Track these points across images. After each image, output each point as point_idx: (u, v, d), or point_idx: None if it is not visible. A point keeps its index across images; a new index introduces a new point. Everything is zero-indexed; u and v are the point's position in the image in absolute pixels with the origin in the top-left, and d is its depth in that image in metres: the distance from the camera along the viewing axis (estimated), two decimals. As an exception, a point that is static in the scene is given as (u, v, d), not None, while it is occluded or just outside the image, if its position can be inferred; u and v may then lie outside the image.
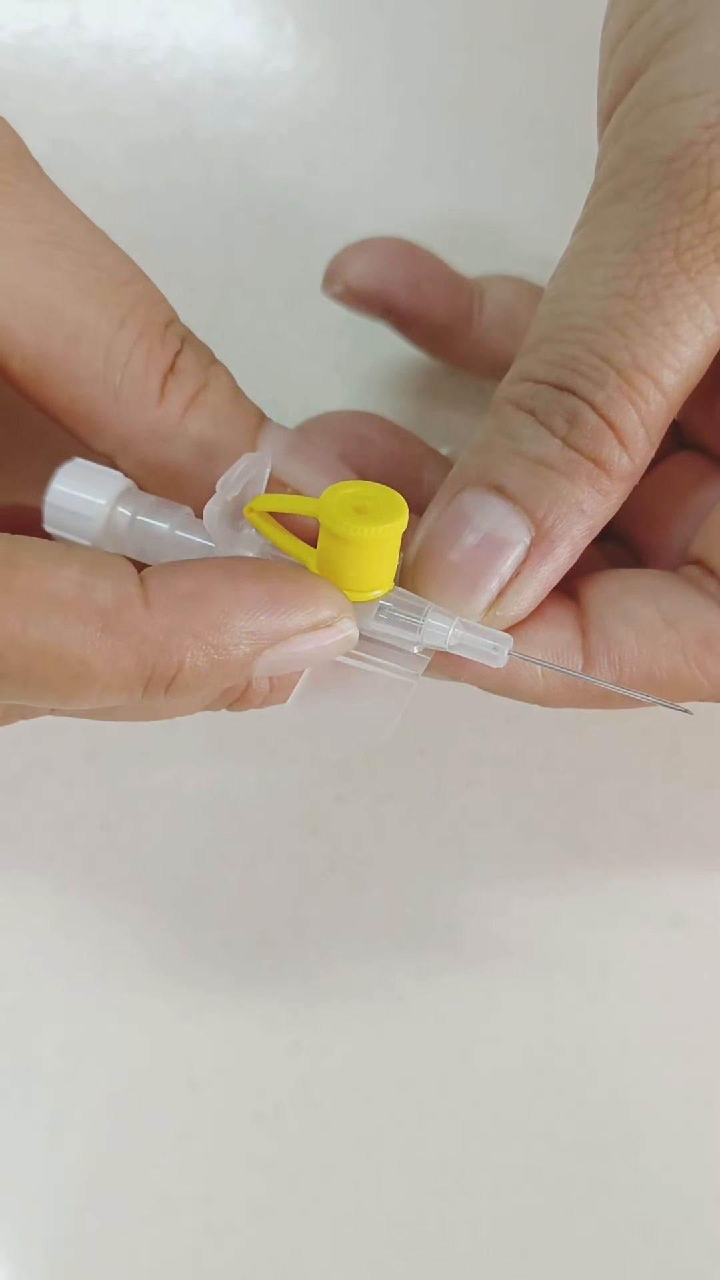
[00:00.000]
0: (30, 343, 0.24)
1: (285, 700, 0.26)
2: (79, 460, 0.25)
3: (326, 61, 0.36)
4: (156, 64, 0.36)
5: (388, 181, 0.36)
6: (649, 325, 0.24)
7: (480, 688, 0.26)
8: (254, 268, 0.36)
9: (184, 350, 0.26)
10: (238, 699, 0.26)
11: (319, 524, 0.23)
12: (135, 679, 0.22)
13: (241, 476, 0.24)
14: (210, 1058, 0.33)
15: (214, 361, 0.27)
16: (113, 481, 0.25)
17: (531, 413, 0.24)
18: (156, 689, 0.22)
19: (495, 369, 0.33)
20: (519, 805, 0.35)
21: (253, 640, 0.23)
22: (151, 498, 0.25)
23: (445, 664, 0.25)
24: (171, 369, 0.25)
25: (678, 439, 0.30)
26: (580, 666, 0.25)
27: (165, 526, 0.25)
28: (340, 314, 0.33)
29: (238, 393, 0.27)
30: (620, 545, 0.30)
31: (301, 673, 0.25)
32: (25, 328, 0.24)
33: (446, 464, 0.31)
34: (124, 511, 0.25)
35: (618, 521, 0.29)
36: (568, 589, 0.26)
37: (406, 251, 0.32)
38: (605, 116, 0.27)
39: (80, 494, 0.25)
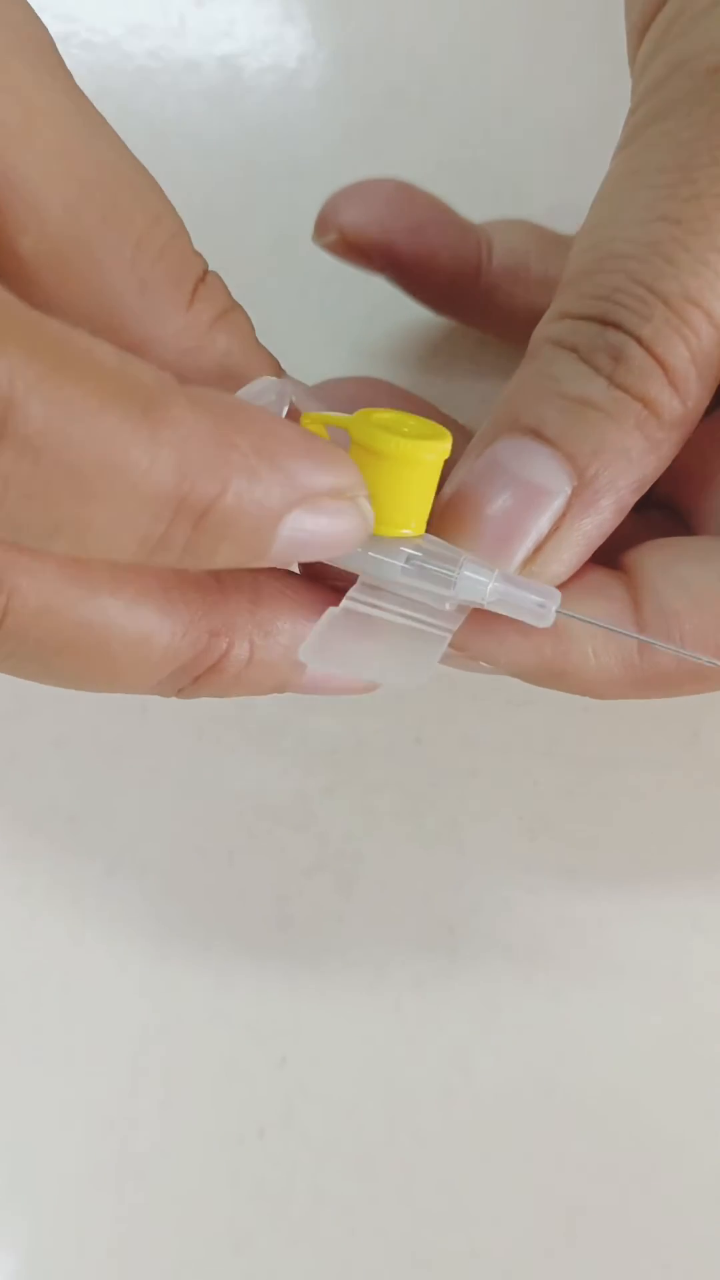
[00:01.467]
0: (56, 219, 0.22)
1: (261, 681, 0.23)
2: None
3: (313, -15, 0.34)
4: (126, -13, 0.34)
5: (381, 116, 0.34)
6: (699, 251, 0.22)
7: (520, 678, 0.24)
8: (232, 213, 0.34)
9: (210, 272, 0.24)
10: (208, 669, 0.23)
11: (350, 441, 0.21)
12: (171, 490, 0.18)
13: (263, 394, 0.22)
14: (187, 1075, 0.31)
15: (235, 301, 0.25)
16: None
17: (574, 350, 0.23)
18: (185, 521, 0.18)
19: (505, 325, 0.31)
20: (524, 796, 0.32)
21: (287, 485, 0.19)
22: None
23: (477, 643, 0.23)
24: (203, 279, 0.23)
25: None
26: (637, 644, 0.23)
27: None
28: (330, 264, 0.31)
29: (255, 335, 0.25)
30: (665, 513, 0.28)
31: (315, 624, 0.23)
32: (57, 202, 0.22)
33: (465, 435, 0.29)
34: None
35: (662, 486, 0.26)
36: (610, 562, 0.24)
37: (407, 195, 0.30)
38: (639, 31, 0.25)
39: None
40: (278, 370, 0.25)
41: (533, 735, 0.33)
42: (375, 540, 0.22)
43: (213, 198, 0.34)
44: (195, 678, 0.22)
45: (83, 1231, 0.30)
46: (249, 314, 0.25)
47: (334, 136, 0.34)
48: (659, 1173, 0.31)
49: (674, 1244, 0.31)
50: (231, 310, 0.24)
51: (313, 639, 0.22)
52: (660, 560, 0.24)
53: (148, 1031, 0.31)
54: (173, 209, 0.24)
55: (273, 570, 0.23)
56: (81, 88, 0.24)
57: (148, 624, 0.22)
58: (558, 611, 0.22)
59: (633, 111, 0.24)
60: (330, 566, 0.23)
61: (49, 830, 0.32)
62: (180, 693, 0.23)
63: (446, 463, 0.23)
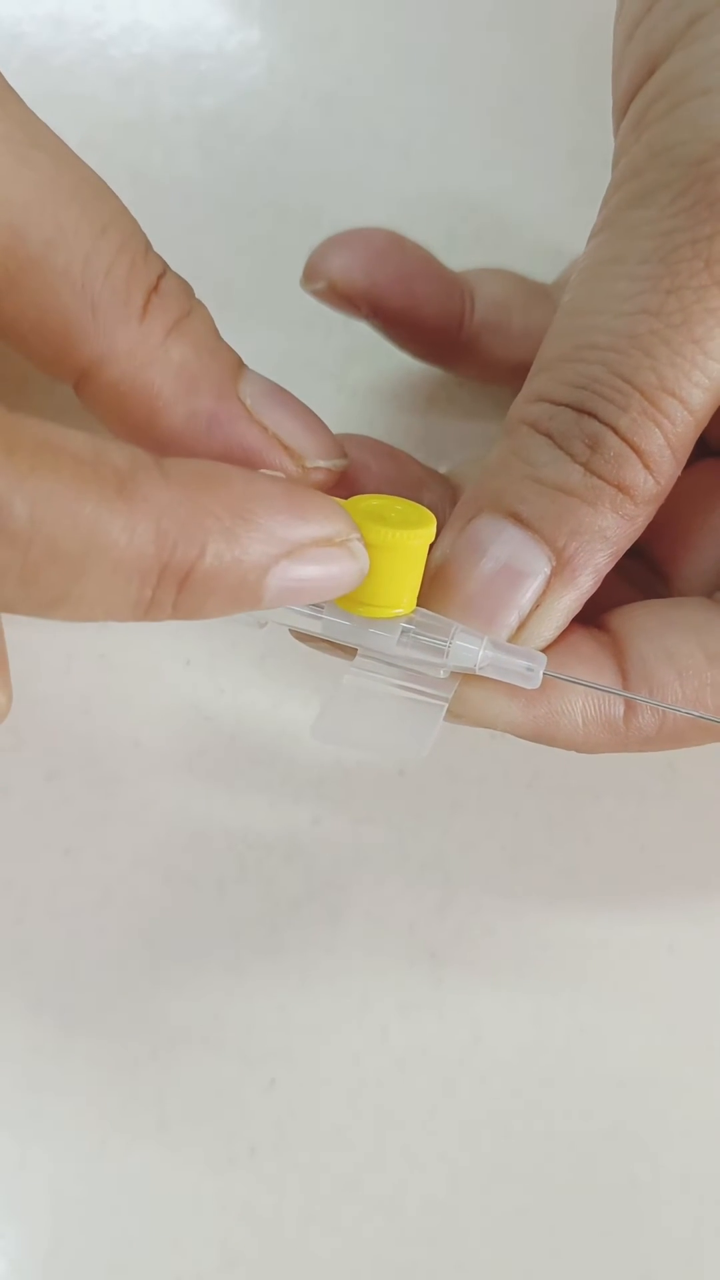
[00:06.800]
0: (3, 245, 0.22)
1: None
2: None
3: (296, 34, 0.34)
4: (113, 38, 0.34)
5: (364, 163, 0.34)
6: (677, 344, 0.22)
7: (514, 735, 0.25)
8: (220, 259, 0.34)
9: (167, 275, 0.24)
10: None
11: None
12: (151, 560, 0.19)
13: None
14: (181, 1097, 0.31)
15: (195, 297, 0.25)
16: None
17: (549, 435, 0.23)
18: (169, 584, 0.20)
19: (484, 373, 0.31)
20: (505, 827, 0.33)
21: (269, 541, 0.20)
22: None
23: (475, 713, 0.25)
24: (155, 288, 0.24)
25: (701, 445, 0.29)
26: (622, 713, 0.24)
27: None
28: (314, 309, 0.31)
29: (217, 332, 0.25)
30: (641, 562, 0.28)
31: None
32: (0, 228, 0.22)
33: (446, 484, 0.29)
34: None
35: (639, 538, 0.28)
36: (596, 621, 0.26)
37: (395, 245, 0.30)
38: (622, 107, 0.25)
39: None
40: (239, 367, 0.25)
41: (514, 768, 0.33)
42: (371, 620, 0.23)
43: (198, 243, 0.34)
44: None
45: (77, 1249, 0.31)
46: (238, 350, 0.25)
47: (319, 182, 0.34)
48: (643, 1193, 0.31)
49: (661, 1264, 0.31)
50: (188, 316, 0.24)
51: (321, 716, 0.23)
52: (646, 629, 0.25)
53: (143, 1054, 0.31)
54: (124, 211, 0.24)
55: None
56: (66, 140, 0.24)
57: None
58: (545, 673, 0.23)
59: (614, 190, 0.24)
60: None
61: (44, 862, 0.32)
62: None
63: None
